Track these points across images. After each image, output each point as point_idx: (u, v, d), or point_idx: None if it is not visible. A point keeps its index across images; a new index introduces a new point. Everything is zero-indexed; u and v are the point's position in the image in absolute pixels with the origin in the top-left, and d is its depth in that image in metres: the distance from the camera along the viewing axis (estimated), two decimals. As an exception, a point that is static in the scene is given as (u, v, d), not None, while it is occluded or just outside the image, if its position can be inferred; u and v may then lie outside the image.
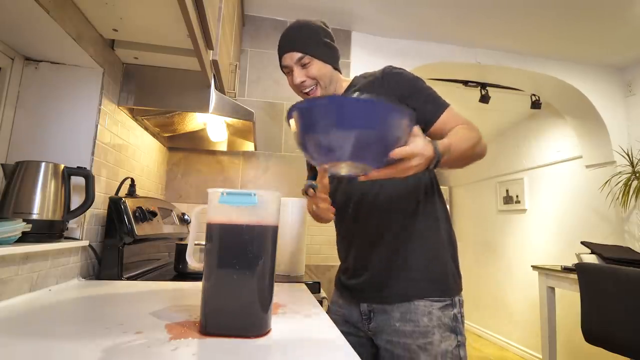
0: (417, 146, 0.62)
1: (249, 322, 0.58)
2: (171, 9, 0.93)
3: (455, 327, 0.85)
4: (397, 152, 0.60)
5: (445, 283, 0.88)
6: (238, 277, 0.57)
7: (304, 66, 0.93)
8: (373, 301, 0.91)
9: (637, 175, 2.49)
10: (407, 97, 0.89)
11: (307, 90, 0.95)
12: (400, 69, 0.95)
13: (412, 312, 0.85)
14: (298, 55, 0.93)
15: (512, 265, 3.55)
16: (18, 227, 0.78)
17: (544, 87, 2.86)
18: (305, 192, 0.92)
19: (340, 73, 1.02)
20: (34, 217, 0.87)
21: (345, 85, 1.01)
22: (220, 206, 0.58)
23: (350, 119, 0.55)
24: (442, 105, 0.89)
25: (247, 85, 2.20)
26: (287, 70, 0.97)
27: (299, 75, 0.93)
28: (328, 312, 1.03)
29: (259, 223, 0.59)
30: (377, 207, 0.92)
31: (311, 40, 0.94)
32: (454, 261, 0.92)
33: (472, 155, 0.81)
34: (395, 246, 0.89)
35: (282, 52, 0.96)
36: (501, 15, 2.20)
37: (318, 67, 0.94)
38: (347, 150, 0.56)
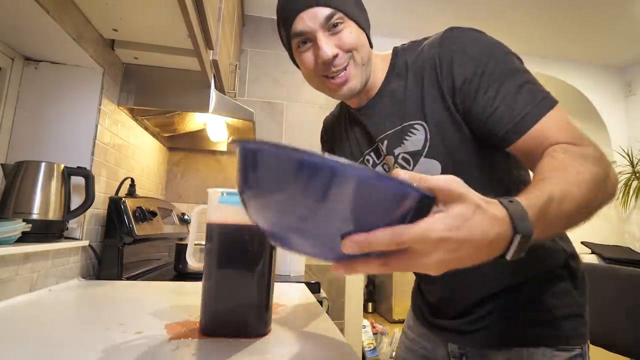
0: (434, 225, 0.31)
1: (249, 322, 0.57)
2: (171, 9, 0.93)
3: None
4: (362, 239, 0.30)
5: (575, 326, 0.63)
6: (238, 277, 0.57)
7: (333, 29, 0.59)
8: (469, 343, 0.67)
9: (637, 175, 2.49)
10: (479, 87, 0.55)
11: (338, 72, 0.61)
12: (470, 30, 0.59)
13: None
14: (326, 12, 0.58)
15: (512, 265, 3.55)
16: (18, 227, 0.78)
17: (544, 87, 2.85)
18: None
19: (372, 47, 0.66)
20: (34, 217, 0.87)
21: (382, 65, 0.67)
22: (220, 206, 0.58)
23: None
24: (545, 102, 0.53)
25: (247, 85, 2.20)
26: (301, 40, 0.61)
27: (328, 46, 0.58)
28: (402, 336, 0.85)
29: (259, 223, 0.59)
30: None
31: None
32: (583, 293, 0.67)
33: (594, 206, 0.43)
34: (502, 275, 0.63)
35: (297, 9, 0.59)
36: (501, 16, 2.20)
37: (355, 32, 0.61)
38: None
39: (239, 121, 1.57)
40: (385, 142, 0.65)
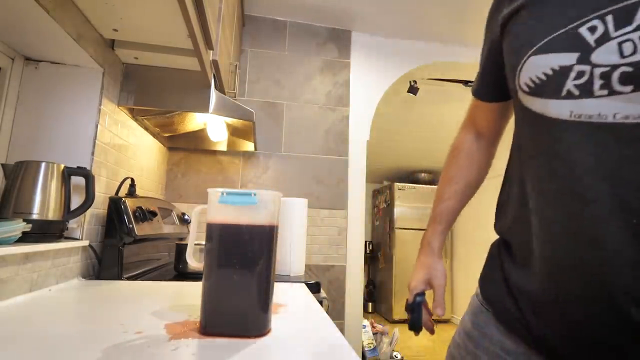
0: None
1: (249, 322, 0.58)
2: (171, 9, 0.93)
3: None
4: None
5: None
6: (238, 277, 0.57)
7: None
8: None
9: (637, 175, 2.49)
10: None
11: None
12: None
13: None
14: None
15: (512, 265, 3.54)
16: (18, 227, 0.78)
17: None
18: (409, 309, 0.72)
19: None
20: (34, 217, 0.87)
21: None
22: (220, 206, 0.58)
23: None
24: None
25: (247, 85, 2.20)
26: None
27: None
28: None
29: (259, 223, 0.59)
30: None
31: None
32: None
33: None
34: None
35: None
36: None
37: None
38: None
39: (239, 121, 1.57)
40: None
